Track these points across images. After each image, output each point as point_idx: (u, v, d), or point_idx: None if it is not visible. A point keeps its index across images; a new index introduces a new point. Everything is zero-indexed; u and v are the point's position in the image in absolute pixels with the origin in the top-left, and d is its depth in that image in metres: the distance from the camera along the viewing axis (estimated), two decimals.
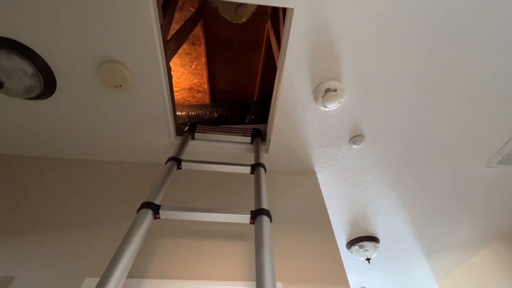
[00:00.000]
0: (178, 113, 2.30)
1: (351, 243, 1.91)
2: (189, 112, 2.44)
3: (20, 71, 0.94)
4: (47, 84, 1.00)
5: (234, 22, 1.13)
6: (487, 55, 0.97)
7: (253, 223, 0.82)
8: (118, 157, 1.29)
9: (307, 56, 0.96)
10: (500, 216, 1.74)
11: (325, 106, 1.06)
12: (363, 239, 1.85)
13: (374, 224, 1.80)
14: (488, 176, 1.45)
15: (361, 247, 1.85)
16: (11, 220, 1.02)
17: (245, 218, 0.82)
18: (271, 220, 0.81)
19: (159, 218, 0.80)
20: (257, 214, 0.82)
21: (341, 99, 1.03)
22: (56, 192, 1.14)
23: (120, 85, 1.00)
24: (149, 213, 0.78)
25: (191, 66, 2.40)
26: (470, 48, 0.95)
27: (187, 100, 2.70)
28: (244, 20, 1.13)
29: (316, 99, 1.05)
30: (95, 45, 0.91)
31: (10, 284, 0.85)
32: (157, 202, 0.82)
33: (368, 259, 1.87)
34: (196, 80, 2.55)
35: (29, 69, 0.95)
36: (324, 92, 1.02)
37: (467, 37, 0.92)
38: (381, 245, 1.97)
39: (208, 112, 2.46)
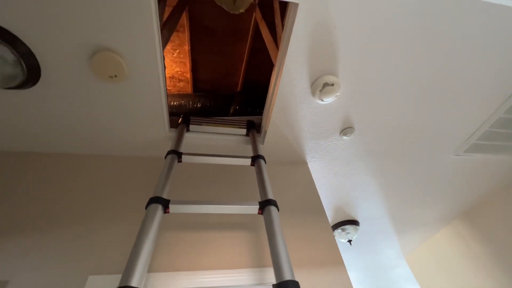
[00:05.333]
0: None
1: (334, 227, 2.04)
2: (171, 102, 2.36)
3: None
4: (30, 72, 0.92)
5: (231, 12, 1.11)
6: (463, 57, 1.08)
7: (261, 213, 0.86)
8: (110, 151, 1.23)
9: (307, 51, 0.98)
10: (461, 197, 1.98)
11: (322, 100, 1.10)
12: (345, 223, 2.00)
13: (355, 209, 1.94)
14: (456, 163, 1.63)
15: (343, 230, 1.99)
16: (1, 219, 0.94)
17: (254, 209, 0.85)
18: (278, 210, 0.85)
19: (168, 212, 0.80)
20: (265, 204, 0.85)
21: (337, 93, 1.09)
22: (46, 190, 1.06)
23: (115, 76, 0.94)
24: (159, 208, 0.77)
25: (173, 54, 2.30)
26: (448, 50, 1.04)
27: (168, 89, 2.59)
28: (242, 10, 1.12)
29: (313, 93, 1.09)
30: (88, 32, 0.85)
31: None
32: (164, 196, 0.82)
33: (349, 241, 2.02)
34: (178, 69, 2.45)
35: (9, 56, 0.86)
36: (322, 86, 1.06)
37: (450, 41, 1.01)
38: (360, 227, 2.14)
39: (191, 102, 2.40)
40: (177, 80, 2.61)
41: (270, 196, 0.88)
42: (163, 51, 1.09)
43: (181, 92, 2.68)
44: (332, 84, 1.06)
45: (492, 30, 0.99)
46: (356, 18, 0.91)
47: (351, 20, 0.91)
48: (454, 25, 0.97)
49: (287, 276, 0.63)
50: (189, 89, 2.66)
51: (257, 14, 1.82)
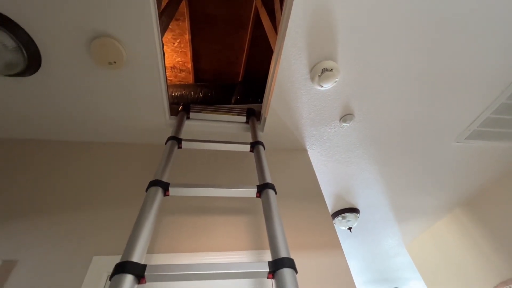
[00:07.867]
0: None
1: (334, 215, 2.06)
2: (172, 93, 2.37)
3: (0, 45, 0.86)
4: (30, 59, 0.93)
5: None
6: (464, 42, 1.06)
7: (259, 197, 0.87)
8: (111, 138, 1.25)
9: (306, 36, 0.98)
10: (462, 185, 1.98)
11: (321, 86, 1.10)
12: (345, 210, 2.01)
13: (356, 197, 1.95)
14: (457, 150, 1.62)
15: (343, 218, 2.01)
16: (10, 203, 0.98)
17: (252, 192, 0.87)
18: (276, 193, 0.87)
19: (168, 195, 0.82)
20: (263, 188, 0.87)
21: (337, 79, 1.08)
22: (52, 175, 1.09)
23: (115, 62, 0.95)
24: (159, 191, 0.79)
25: (173, 44, 2.29)
26: (451, 40, 1.03)
27: (169, 79, 2.59)
28: None
29: (312, 78, 1.09)
30: (86, 17, 0.85)
31: (13, 268, 0.83)
32: (164, 179, 0.84)
33: (349, 228, 2.04)
34: (179, 59, 2.45)
35: (10, 42, 0.87)
36: (321, 72, 1.06)
37: (452, 31, 0.99)
38: (360, 215, 2.16)
39: (192, 92, 2.41)
40: (179, 71, 2.61)
41: (268, 180, 0.90)
42: (162, 38, 1.09)
43: (182, 82, 2.68)
44: (331, 70, 1.05)
45: (493, 15, 0.97)
46: (356, 1, 0.90)
47: (350, 3, 0.90)
48: (455, 10, 0.95)
49: (283, 254, 0.65)
50: (190, 79, 2.65)
51: (257, 1, 1.80)
